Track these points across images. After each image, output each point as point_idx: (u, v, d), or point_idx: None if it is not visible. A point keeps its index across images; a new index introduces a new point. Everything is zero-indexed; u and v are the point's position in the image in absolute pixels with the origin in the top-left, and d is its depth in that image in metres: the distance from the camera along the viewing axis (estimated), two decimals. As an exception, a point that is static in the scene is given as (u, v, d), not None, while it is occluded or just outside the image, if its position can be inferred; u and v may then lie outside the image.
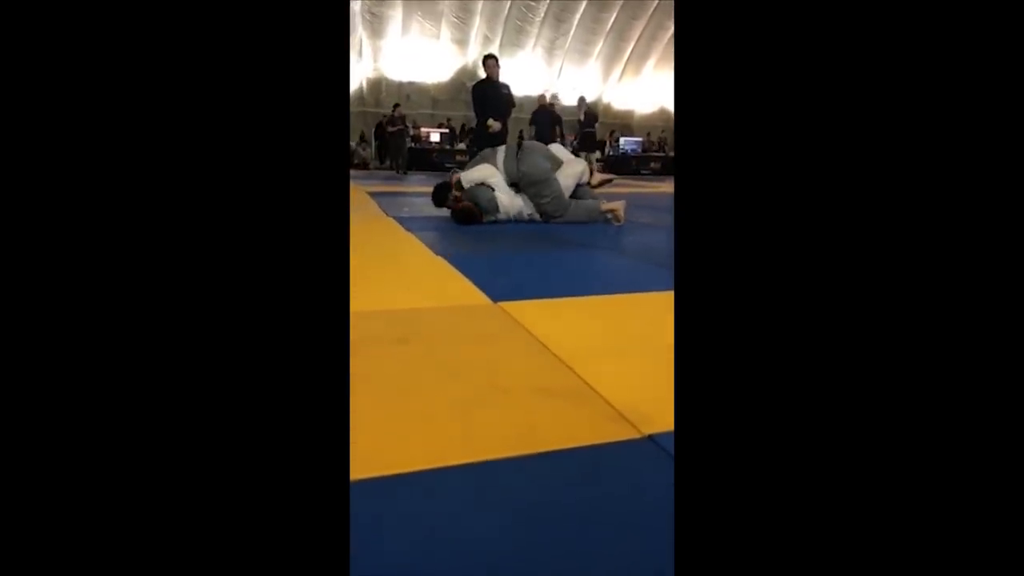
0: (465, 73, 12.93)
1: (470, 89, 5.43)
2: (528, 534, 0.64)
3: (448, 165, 9.79)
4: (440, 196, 3.42)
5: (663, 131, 14.61)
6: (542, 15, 13.09)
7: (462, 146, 11.26)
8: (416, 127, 11.59)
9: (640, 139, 13.30)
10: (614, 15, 13.36)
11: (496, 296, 1.64)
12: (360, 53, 12.54)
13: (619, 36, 13.83)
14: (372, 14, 12.18)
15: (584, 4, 13.04)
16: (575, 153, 7.14)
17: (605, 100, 14.83)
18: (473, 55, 12.78)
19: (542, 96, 8.33)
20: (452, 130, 12.14)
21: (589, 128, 9.32)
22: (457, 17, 12.71)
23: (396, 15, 12.30)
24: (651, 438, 0.84)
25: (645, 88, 14.81)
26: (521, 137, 8.89)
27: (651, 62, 14.45)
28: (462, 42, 13.05)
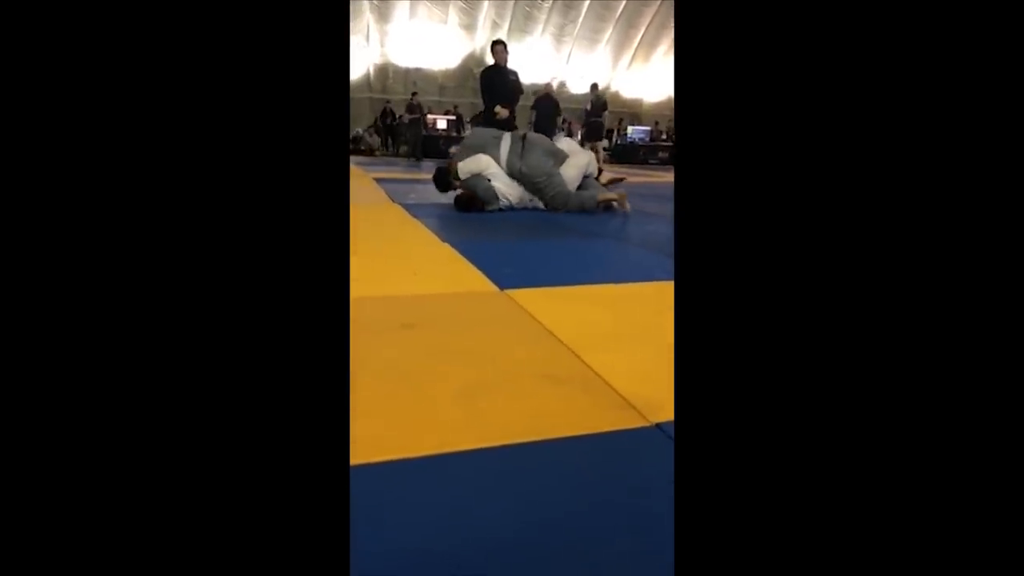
0: (473, 59, 12.84)
1: (478, 76, 5.39)
2: (533, 520, 0.64)
3: (454, 152, 9.78)
4: (442, 181, 3.40)
5: (671, 120, 14.49)
6: (551, 1, 12.96)
7: (469, 133, 11.22)
8: (424, 114, 11.57)
9: (648, 128, 13.19)
10: (623, 3, 13.21)
11: (503, 284, 1.64)
12: (367, 38, 12.46)
13: (628, 23, 13.68)
14: (379, -1, 12.10)
15: (594, -10, 12.90)
16: (581, 143, 7.09)
17: (614, 88, 14.70)
18: (481, 41, 12.68)
19: (548, 85, 8.25)
20: (459, 117, 12.08)
21: (596, 117, 9.22)
22: (465, 2, 12.60)
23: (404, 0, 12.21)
24: (658, 426, 0.84)
25: (654, 76, 14.67)
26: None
27: (661, 50, 14.29)
28: (470, 27, 12.94)
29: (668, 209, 3.77)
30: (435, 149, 10.54)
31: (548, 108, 7.14)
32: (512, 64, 5.23)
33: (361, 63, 12.70)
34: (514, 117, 5.15)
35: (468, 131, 9.04)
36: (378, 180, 5.21)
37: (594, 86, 9.87)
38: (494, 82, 5.04)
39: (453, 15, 12.71)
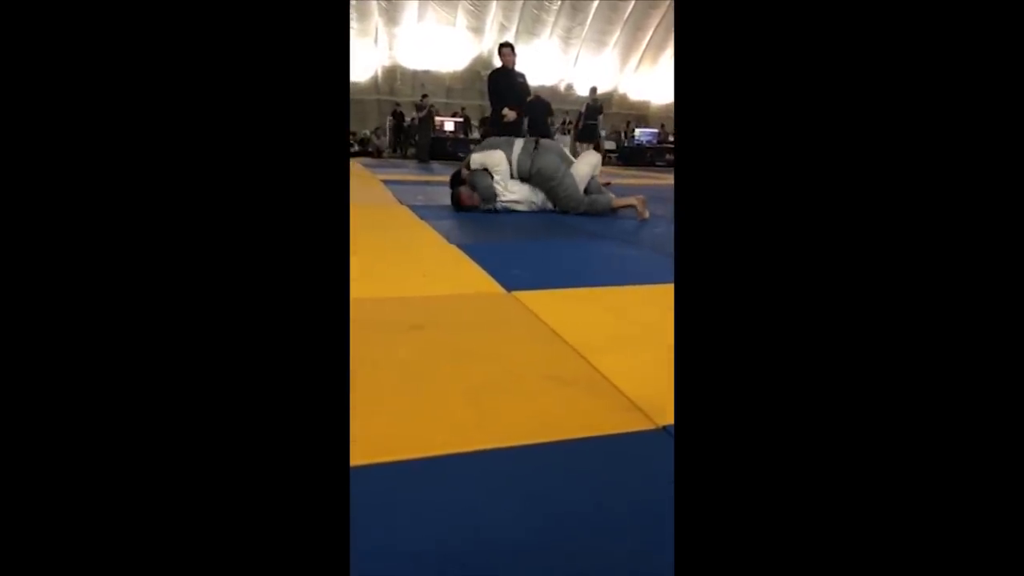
0: (480, 62, 12.87)
1: (485, 78, 5.40)
2: (540, 523, 0.64)
3: (461, 154, 9.82)
4: (456, 182, 3.43)
5: (679, 123, 14.43)
6: (559, 3, 12.97)
7: (477, 135, 11.26)
8: (433, 116, 11.61)
9: (655, 130, 13.17)
10: (631, 5, 13.21)
11: (510, 285, 1.64)
12: (376, 41, 12.52)
13: (636, 26, 13.68)
14: (388, 1, 12.14)
15: (601, -8, 12.90)
16: (573, 144, 7.09)
17: (621, 90, 14.71)
18: (489, 43, 12.70)
19: (535, 92, 8.34)
20: (467, 119, 12.11)
21: (592, 120, 9.28)
22: (473, 5, 12.63)
23: (412, 2, 12.25)
24: (665, 429, 0.84)
25: (661, 79, 14.65)
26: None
27: (668, 52, 14.27)
28: (478, 30, 12.97)
29: (675, 212, 3.76)
30: (443, 151, 10.58)
31: (540, 110, 7.20)
32: (520, 66, 5.25)
33: (369, 65, 12.76)
34: (522, 120, 5.16)
35: (476, 134, 9.07)
36: (386, 182, 5.23)
37: (592, 90, 9.95)
38: (501, 84, 5.05)
39: (461, 17, 12.74)
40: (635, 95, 14.91)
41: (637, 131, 12.90)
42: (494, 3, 12.63)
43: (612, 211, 3.25)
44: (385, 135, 12.38)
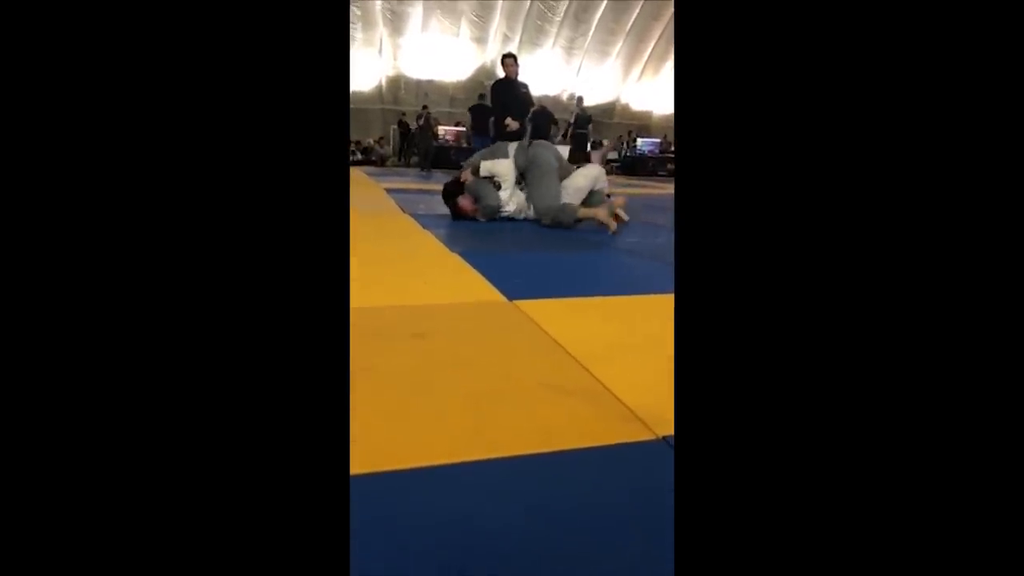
0: (483, 72, 12.94)
1: (488, 88, 5.43)
2: (540, 532, 0.64)
3: (463, 164, 9.87)
4: (450, 195, 3.36)
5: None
6: (562, 14, 13.06)
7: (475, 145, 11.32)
8: (434, 125, 11.68)
9: (658, 140, 13.23)
10: (634, 16, 13.30)
11: (511, 294, 1.64)
12: (380, 51, 12.61)
13: (638, 37, 13.76)
14: (392, 12, 12.24)
15: (604, 4, 12.99)
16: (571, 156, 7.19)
17: (624, 100, 14.77)
18: (492, 54, 12.79)
19: (565, 100, 8.43)
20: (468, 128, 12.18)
21: (581, 130, 9.42)
22: (477, 15, 12.73)
23: (416, 12, 12.35)
24: (665, 439, 0.84)
25: (664, 89, 14.72)
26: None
27: (670, 63, 14.33)
28: (481, 40, 13.06)
29: (677, 221, 3.76)
30: (445, 159, 10.63)
31: (544, 119, 7.31)
32: (523, 76, 5.28)
33: (373, 75, 12.84)
34: (524, 129, 5.19)
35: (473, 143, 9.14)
36: (389, 190, 5.25)
37: (579, 100, 10.12)
38: (504, 94, 5.09)
39: (465, 28, 12.84)
40: (637, 105, 14.98)
41: (639, 141, 12.95)
42: (498, 14, 12.73)
43: (575, 223, 3.07)
44: (388, 144, 12.45)
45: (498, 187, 3.26)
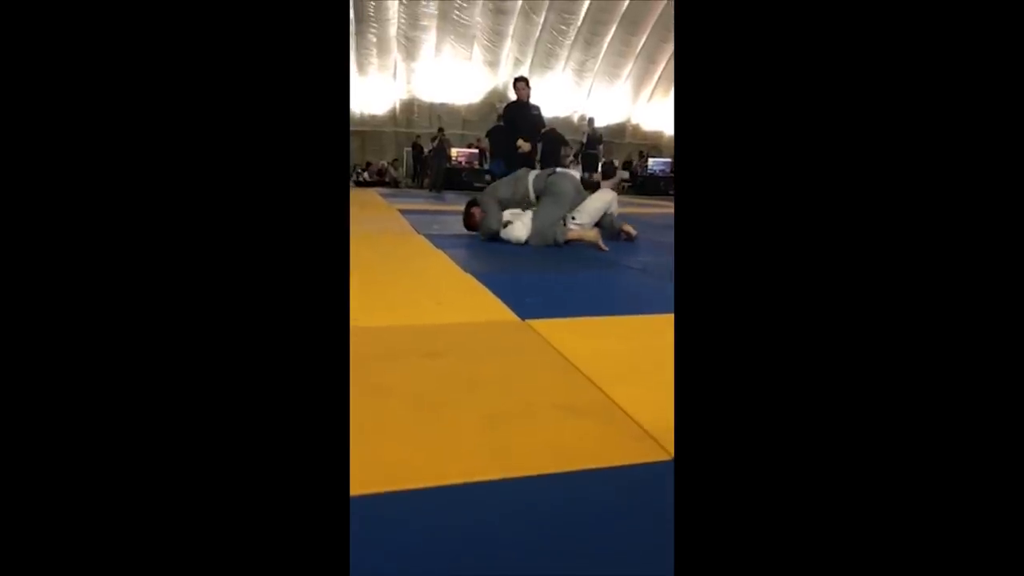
0: (496, 95, 13.12)
1: (500, 111, 5.52)
2: (552, 553, 0.64)
3: (477, 184, 9.95)
4: (471, 203, 3.44)
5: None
6: (572, 38, 13.24)
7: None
8: (448, 147, 11.83)
9: (669, 160, 13.24)
10: (644, 39, 13.45)
11: (524, 314, 1.65)
12: (395, 75, 12.85)
13: (648, 59, 13.90)
14: (407, 38, 12.49)
15: (614, 28, 13.17)
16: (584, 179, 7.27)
17: (635, 121, 14.87)
18: (504, 77, 12.97)
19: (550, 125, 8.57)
20: (482, 151, 12.31)
21: (591, 150, 9.55)
22: (489, 40, 12.95)
23: (430, 38, 12.59)
24: (679, 460, 0.84)
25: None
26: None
27: (681, 84, 14.43)
28: (493, 64, 13.26)
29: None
30: (458, 181, 10.75)
31: (554, 142, 7.40)
32: (534, 99, 5.36)
33: (388, 99, 13.08)
34: (536, 151, 5.25)
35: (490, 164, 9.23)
36: (402, 211, 5.31)
37: (590, 121, 10.28)
38: (516, 117, 5.16)
39: (477, 52, 13.06)
40: (648, 126, 15.06)
41: (650, 161, 12.99)
42: (509, 38, 12.95)
43: (564, 244, 3.12)
44: (402, 166, 12.63)
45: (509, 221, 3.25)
